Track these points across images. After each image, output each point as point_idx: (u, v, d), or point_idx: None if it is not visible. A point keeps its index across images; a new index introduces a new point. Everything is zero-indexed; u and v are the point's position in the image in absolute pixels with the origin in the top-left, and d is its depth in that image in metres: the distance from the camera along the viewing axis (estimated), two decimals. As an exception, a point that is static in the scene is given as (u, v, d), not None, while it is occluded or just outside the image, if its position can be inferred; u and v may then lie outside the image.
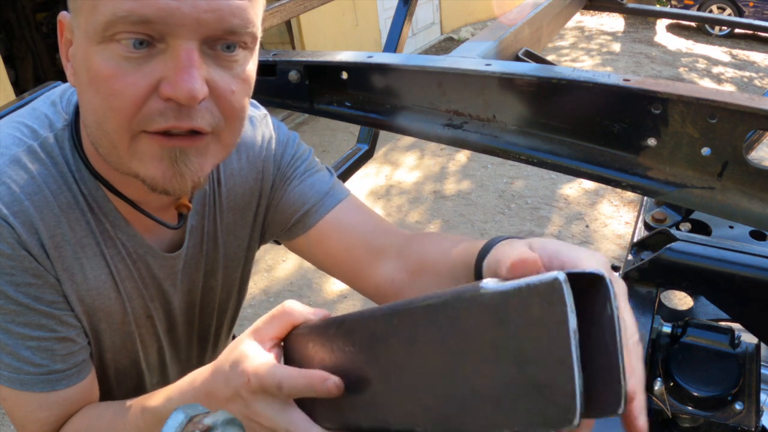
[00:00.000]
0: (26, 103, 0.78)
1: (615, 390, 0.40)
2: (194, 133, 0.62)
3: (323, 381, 0.51)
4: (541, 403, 0.38)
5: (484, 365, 0.41)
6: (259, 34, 0.64)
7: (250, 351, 0.56)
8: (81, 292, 0.73)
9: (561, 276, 0.37)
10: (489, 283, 0.41)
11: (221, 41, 0.60)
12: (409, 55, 1.04)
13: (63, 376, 0.73)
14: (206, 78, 0.60)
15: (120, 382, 0.87)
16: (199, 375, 0.64)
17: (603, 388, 0.40)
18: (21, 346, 0.69)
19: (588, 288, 0.42)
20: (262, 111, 0.93)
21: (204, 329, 0.96)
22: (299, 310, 0.58)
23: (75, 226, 0.71)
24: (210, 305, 0.94)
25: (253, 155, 0.89)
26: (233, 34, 0.60)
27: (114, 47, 0.57)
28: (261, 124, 0.90)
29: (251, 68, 0.66)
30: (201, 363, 1.01)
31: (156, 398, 0.68)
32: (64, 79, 0.81)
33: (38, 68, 6.77)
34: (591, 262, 0.49)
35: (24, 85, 6.35)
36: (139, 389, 0.90)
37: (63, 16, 0.65)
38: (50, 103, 0.75)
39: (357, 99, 1.06)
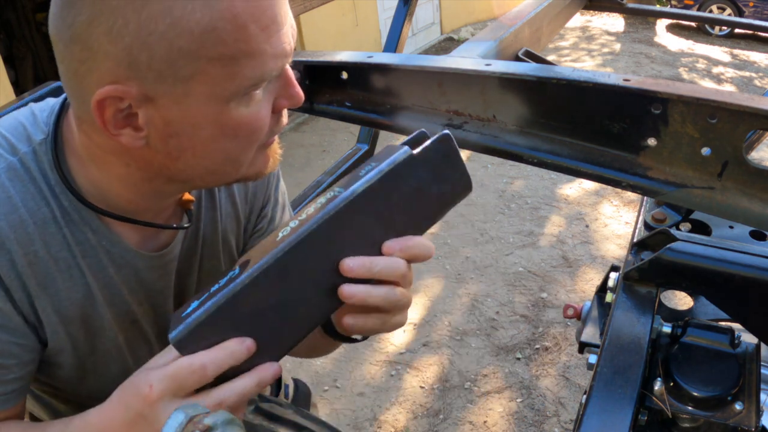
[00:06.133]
0: (26, 104, 0.77)
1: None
2: None
3: (241, 343, 0.59)
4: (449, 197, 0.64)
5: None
6: None
7: (150, 365, 0.65)
8: (56, 304, 0.73)
9: (446, 131, 0.63)
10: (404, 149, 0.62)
11: None
12: (409, 55, 1.04)
13: None
14: None
15: (109, 388, 0.86)
16: (93, 414, 0.69)
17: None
18: None
19: None
20: None
21: None
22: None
23: (50, 241, 0.71)
24: None
25: None
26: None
27: (252, 95, 0.64)
28: None
29: None
30: None
31: None
32: (64, 79, 0.80)
33: (38, 68, 6.76)
34: None
35: (24, 85, 6.35)
36: None
37: (114, 90, 0.59)
38: (30, 113, 0.74)
39: (357, 99, 1.06)
